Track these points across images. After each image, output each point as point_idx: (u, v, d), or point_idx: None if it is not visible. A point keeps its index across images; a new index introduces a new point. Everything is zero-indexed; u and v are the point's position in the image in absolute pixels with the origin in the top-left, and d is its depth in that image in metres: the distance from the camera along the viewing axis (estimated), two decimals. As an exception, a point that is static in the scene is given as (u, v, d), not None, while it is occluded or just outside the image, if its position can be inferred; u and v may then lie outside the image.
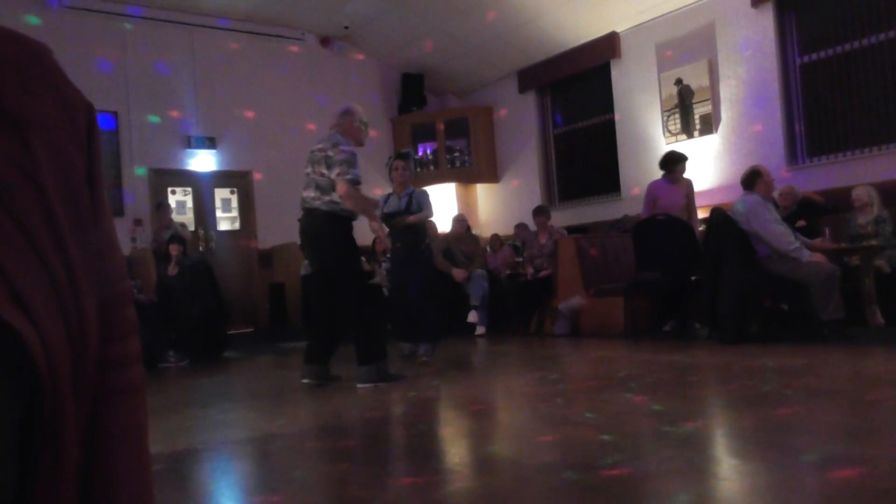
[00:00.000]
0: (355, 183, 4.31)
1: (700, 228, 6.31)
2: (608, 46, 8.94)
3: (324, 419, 3.66)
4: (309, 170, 4.46)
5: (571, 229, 8.48)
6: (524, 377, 4.52)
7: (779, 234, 4.98)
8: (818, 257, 4.94)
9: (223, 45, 9.49)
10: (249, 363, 6.76)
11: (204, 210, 9.49)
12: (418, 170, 10.75)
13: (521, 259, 8.19)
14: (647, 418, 2.99)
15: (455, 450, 2.86)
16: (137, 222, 8.64)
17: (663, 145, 8.29)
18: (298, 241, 4.81)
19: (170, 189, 9.27)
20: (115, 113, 8.65)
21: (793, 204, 6.29)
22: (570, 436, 2.77)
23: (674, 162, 6.45)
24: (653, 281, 5.95)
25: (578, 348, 5.92)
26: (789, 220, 5.75)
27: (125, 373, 0.85)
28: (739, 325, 5.12)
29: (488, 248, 8.97)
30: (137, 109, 8.80)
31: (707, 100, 7.91)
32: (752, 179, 5.23)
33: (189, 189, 9.42)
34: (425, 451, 2.80)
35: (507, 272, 8.07)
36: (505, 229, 9.57)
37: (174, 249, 7.26)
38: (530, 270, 7.43)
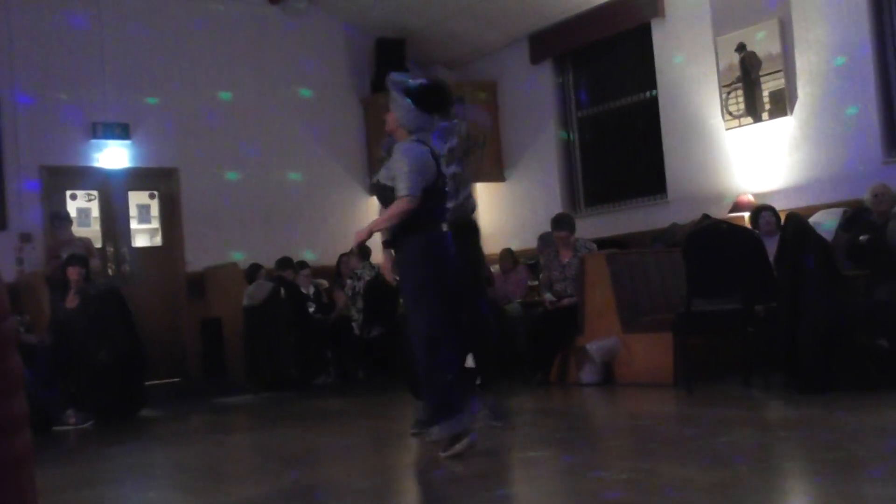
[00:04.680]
0: None
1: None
2: (648, 2, 9.01)
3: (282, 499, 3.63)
4: None
5: (602, 243, 8.47)
6: (543, 451, 4.49)
7: None
8: None
9: (140, 1, 9.52)
10: (175, 425, 6.71)
11: (114, 221, 9.46)
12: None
13: (535, 283, 8.18)
14: (705, 496, 2.98)
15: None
16: (25, 238, 8.61)
17: (722, 131, 8.33)
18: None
19: (69, 193, 9.25)
20: (-4, 93, 8.65)
21: (890, 208, 6.31)
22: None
23: None
24: (711, 311, 5.94)
25: (613, 402, 5.90)
26: (886, 227, 5.77)
27: (7, 441, 0.85)
28: (826, 368, 5.12)
29: (496, 269, 8.90)
30: (24, 87, 8.79)
31: (779, 71, 7.95)
32: None
33: (94, 193, 9.39)
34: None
35: (519, 300, 8.05)
36: (516, 242, 9.53)
37: (74, 273, 7.22)
38: (548, 297, 7.42)
